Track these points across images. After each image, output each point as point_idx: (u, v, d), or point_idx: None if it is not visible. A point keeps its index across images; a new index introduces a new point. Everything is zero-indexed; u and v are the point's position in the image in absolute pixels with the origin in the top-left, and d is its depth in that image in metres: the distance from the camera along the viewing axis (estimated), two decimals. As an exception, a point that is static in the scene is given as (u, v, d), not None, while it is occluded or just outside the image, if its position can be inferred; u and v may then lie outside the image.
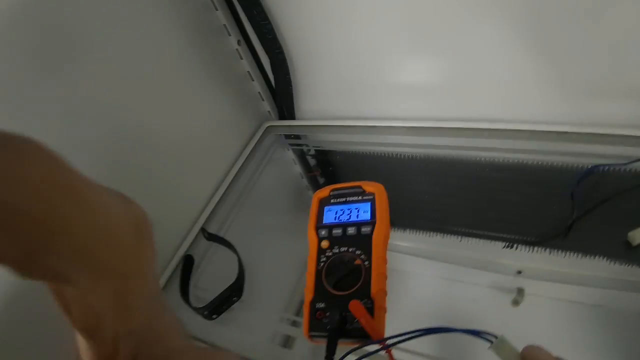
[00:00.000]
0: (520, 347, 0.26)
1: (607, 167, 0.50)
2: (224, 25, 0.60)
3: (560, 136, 0.52)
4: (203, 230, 0.55)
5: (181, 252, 0.54)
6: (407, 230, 0.73)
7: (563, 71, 0.51)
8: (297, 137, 0.67)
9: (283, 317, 0.62)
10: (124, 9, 0.46)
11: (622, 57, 0.47)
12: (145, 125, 0.51)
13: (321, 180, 0.73)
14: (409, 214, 0.72)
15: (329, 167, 0.71)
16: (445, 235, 0.71)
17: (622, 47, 0.47)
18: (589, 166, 0.51)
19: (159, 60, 0.52)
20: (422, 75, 0.58)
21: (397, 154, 0.63)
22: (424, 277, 0.76)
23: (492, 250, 0.69)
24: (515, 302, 0.70)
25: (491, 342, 0.26)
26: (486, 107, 0.58)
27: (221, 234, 0.55)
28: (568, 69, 0.50)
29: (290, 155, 0.71)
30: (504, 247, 0.67)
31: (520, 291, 0.70)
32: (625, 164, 0.47)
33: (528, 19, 0.47)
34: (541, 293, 0.70)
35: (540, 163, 0.55)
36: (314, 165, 0.72)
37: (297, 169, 0.73)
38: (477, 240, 0.68)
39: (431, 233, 0.73)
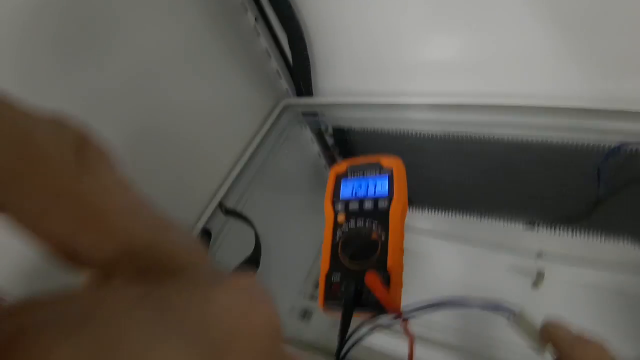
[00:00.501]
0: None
1: (636, 146, 0.48)
2: (241, 2, 0.59)
3: (586, 113, 0.50)
4: (221, 204, 0.55)
5: (199, 226, 0.54)
6: (426, 211, 0.72)
7: (592, 45, 0.49)
8: (315, 115, 0.67)
9: (301, 291, 0.62)
10: None
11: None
12: (168, 101, 0.51)
13: (339, 159, 0.73)
14: (428, 194, 0.71)
15: (347, 145, 0.71)
16: (465, 215, 0.70)
17: None
18: (617, 144, 0.49)
19: (180, 40, 0.52)
20: (442, 50, 0.56)
21: (416, 132, 0.62)
22: (443, 258, 0.75)
23: (513, 231, 0.68)
24: (534, 285, 0.69)
25: (509, 316, 0.25)
26: (510, 82, 0.56)
27: (239, 210, 0.55)
28: (597, 42, 0.48)
29: (308, 133, 0.71)
30: (524, 228, 0.66)
31: (540, 274, 0.69)
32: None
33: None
34: (561, 277, 0.69)
35: (565, 141, 0.53)
36: (332, 144, 0.71)
37: (315, 147, 0.73)
38: (498, 221, 0.67)
39: (450, 213, 0.72)
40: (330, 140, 0.71)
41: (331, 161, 0.73)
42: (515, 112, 0.54)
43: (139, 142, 0.47)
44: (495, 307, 0.25)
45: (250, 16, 0.61)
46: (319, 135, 0.71)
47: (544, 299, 0.68)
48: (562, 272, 0.68)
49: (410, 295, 0.32)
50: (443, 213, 0.71)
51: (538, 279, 0.69)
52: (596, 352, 0.22)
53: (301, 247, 0.70)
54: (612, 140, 0.50)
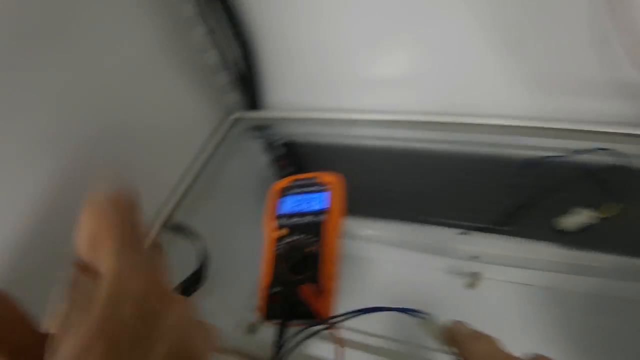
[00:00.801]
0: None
1: (549, 159, 0.53)
2: (192, 16, 0.61)
3: (507, 129, 0.55)
4: (168, 222, 0.56)
5: (146, 244, 0.55)
6: (369, 219, 0.76)
7: (517, 67, 0.54)
8: (265, 128, 0.69)
9: (249, 305, 0.64)
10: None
11: (571, 56, 0.51)
12: (111, 116, 0.51)
13: (288, 171, 0.75)
14: (371, 204, 0.75)
15: (296, 158, 0.73)
16: (404, 222, 0.75)
17: (572, 46, 0.50)
18: (532, 157, 0.54)
19: (128, 52, 0.52)
20: (387, 68, 0.60)
21: (360, 145, 0.66)
22: (385, 263, 0.79)
23: (449, 236, 0.73)
24: (470, 285, 0.74)
25: (423, 319, 0.29)
26: (444, 99, 0.61)
27: (186, 224, 0.56)
28: (529, 64, 0.54)
29: (257, 146, 0.73)
30: (459, 233, 0.71)
31: (474, 275, 0.75)
32: (564, 156, 0.51)
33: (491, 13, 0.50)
34: (494, 276, 0.74)
35: (490, 154, 0.58)
36: (281, 157, 0.74)
37: (263, 160, 0.75)
38: (435, 227, 0.72)
39: (391, 221, 0.76)
40: (278, 153, 0.73)
41: (280, 173, 0.76)
42: (449, 128, 0.59)
43: (79, 159, 0.47)
44: (406, 310, 0.29)
45: (201, 30, 0.62)
46: (269, 148, 0.73)
47: (479, 297, 0.74)
48: (494, 272, 0.74)
49: (352, 297, 0.34)
50: (384, 221, 0.76)
51: (474, 279, 0.75)
52: (487, 344, 0.26)
53: (248, 258, 0.72)
54: (530, 154, 0.55)
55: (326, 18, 0.57)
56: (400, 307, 0.29)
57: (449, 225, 0.71)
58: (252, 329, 0.65)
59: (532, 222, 0.61)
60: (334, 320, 0.31)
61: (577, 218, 0.52)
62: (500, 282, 0.74)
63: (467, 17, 0.51)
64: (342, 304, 0.35)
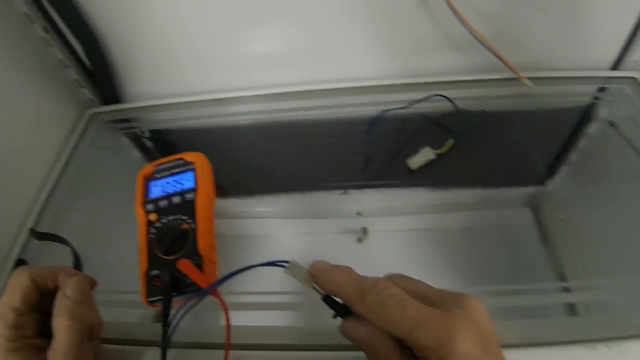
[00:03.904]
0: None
1: (391, 111, 0.59)
2: (25, 13, 0.56)
3: (361, 90, 0.60)
4: (32, 230, 0.52)
5: (13, 257, 0.51)
6: (255, 196, 0.78)
7: (365, 36, 0.59)
8: (128, 120, 0.66)
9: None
10: None
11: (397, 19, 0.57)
12: None
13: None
14: (256, 180, 0.77)
15: (167, 146, 0.71)
16: (291, 194, 0.78)
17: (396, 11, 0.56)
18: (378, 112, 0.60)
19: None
20: (243, 45, 0.61)
21: (232, 124, 0.67)
22: (280, 235, 0.82)
23: (333, 199, 0.77)
24: (359, 240, 0.80)
25: (284, 267, 0.31)
26: (302, 71, 0.64)
27: (55, 231, 0.53)
28: (367, 34, 0.58)
29: (125, 140, 0.70)
30: (341, 194, 0.76)
31: (363, 230, 0.81)
32: (405, 107, 0.57)
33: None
34: (379, 228, 0.81)
35: (350, 116, 0.63)
36: (152, 147, 0.71)
37: (136, 153, 0.72)
38: (318, 192, 0.76)
39: (279, 194, 0.78)
40: (149, 144, 0.71)
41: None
42: (310, 96, 0.62)
43: None
44: (272, 263, 0.31)
45: (38, 27, 0.57)
46: (137, 140, 0.70)
47: (369, 249, 0.80)
48: (379, 224, 0.80)
49: (258, 274, 0.35)
50: (271, 195, 0.78)
51: (362, 233, 0.80)
52: (343, 272, 0.29)
53: (133, 252, 0.69)
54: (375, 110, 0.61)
55: (176, 2, 0.56)
56: (268, 261, 0.31)
57: (330, 188, 0.76)
58: (159, 316, 0.64)
59: (387, 169, 0.67)
60: (212, 286, 0.32)
61: (418, 157, 0.59)
62: (384, 232, 0.81)
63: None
64: (245, 282, 0.36)
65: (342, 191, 0.76)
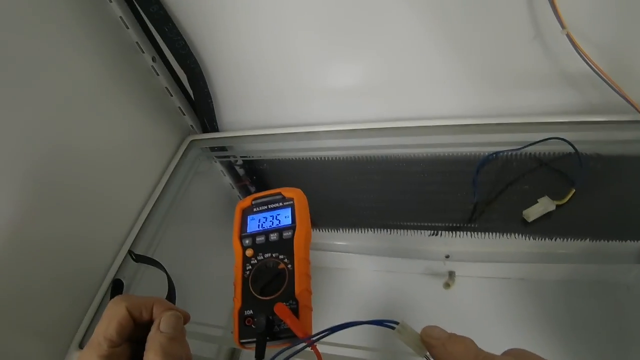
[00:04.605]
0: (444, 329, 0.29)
1: (502, 153, 0.55)
2: (137, 42, 0.59)
3: (463, 129, 0.57)
4: (130, 252, 0.54)
5: (110, 277, 0.53)
6: (340, 230, 0.76)
7: (465, 69, 0.56)
8: (223, 148, 0.68)
9: (228, 328, 0.62)
10: (38, 40, 0.46)
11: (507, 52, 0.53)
12: (70, 150, 0.50)
13: (252, 189, 0.74)
14: (342, 214, 0.75)
15: (257, 175, 0.72)
16: (376, 230, 0.75)
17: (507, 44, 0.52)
18: (487, 154, 0.56)
19: (76, 86, 0.51)
20: (336, 79, 0.61)
21: (321, 157, 0.66)
22: (363, 272, 0.79)
23: (421, 239, 0.73)
24: (447, 285, 0.75)
25: (393, 328, 0.28)
26: (399, 106, 0.62)
27: (150, 253, 0.54)
28: (467, 67, 0.55)
29: (218, 167, 0.71)
30: (430, 234, 0.71)
31: (450, 274, 0.75)
32: (519, 149, 0.53)
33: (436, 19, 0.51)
34: (469, 273, 0.75)
35: (449, 154, 0.59)
36: (243, 175, 0.72)
37: (227, 180, 0.73)
38: (406, 231, 0.72)
39: (364, 230, 0.75)
40: (241, 171, 0.72)
41: (244, 191, 0.75)
42: (409, 133, 0.60)
43: (41, 194, 0.45)
44: (380, 322, 0.28)
45: (147, 56, 0.61)
46: (229, 168, 0.71)
47: (456, 295, 0.74)
48: (468, 269, 0.75)
49: (335, 308, 0.33)
50: (357, 230, 0.75)
51: (449, 278, 0.75)
52: (463, 345, 0.26)
53: (220, 281, 0.70)
54: (485, 150, 0.57)
55: (268, 37, 0.57)
56: (374, 319, 0.29)
57: (419, 228, 0.72)
58: (233, 354, 0.63)
59: (495, 216, 0.62)
60: (312, 339, 0.30)
61: (536, 208, 0.54)
62: (474, 279, 0.75)
63: (413, 25, 0.52)
64: (323, 316, 0.34)
65: (431, 232, 0.71)
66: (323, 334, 0.29)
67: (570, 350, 0.64)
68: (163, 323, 0.32)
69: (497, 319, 0.71)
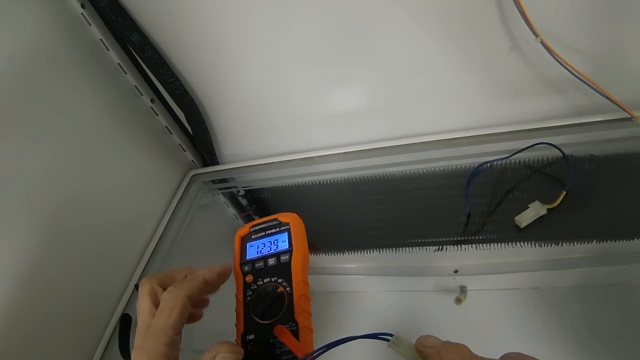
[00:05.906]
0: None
1: (489, 164, 0.55)
2: (135, 86, 0.62)
3: (451, 142, 0.58)
4: (136, 286, 0.55)
5: (119, 312, 0.54)
6: (346, 253, 0.76)
7: (447, 85, 0.57)
8: (225, 180, 0.69)
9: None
10: (38, 88, 0.49)
11: (489, 65, 0.54)
12: (78, 194, 0.52)
13: (256, 218, 0.75)
14: (345, 236, 0.75)
15: (261, 204, 0.73)
16: (382, 250, 0.75)
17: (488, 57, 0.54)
18: (477, 164, 0.56)
19: (81, 133, 0.54)
20: (325, 107, 0.63)
21: (320, 181, 0.67)
22: (371, 293, 0.78)
23: (427, 255, 0.73)
24: (459, 300, 0.74)
25: (388, 340, 0.28)
26: (385, 127, 0.63)
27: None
28: (455, 84, 0.57)
29: (221, 198, 0.73)
30: (435, 250, 0.71)
31: (462, 289, 0.74)
32: (507, 157, 0.53)
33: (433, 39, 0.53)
34: (480, 287, 0.74)
35: (443, 168, 0.60)
36: (247, 205, 0.74)
37: (231, 210, 0.75)
38: (411, 248, 0.72)
39: (369, 251, 0.76)
40: (244, 201, 0.74)
41: (248, 221, 0.75)
42: (406, 150, 0.61)
43: (53, 236, 0.48)
44: (374, 336, 0.28)
45: (146, 98, 0.64)
46: (232, 199, 0.73)
47: (468, 310, 0.73)
48: (478, 282, 0.74)
49: (347, 332, 0.33)
50: (362, 252, 0.75)
51: (460, 293, 0.74)
52: (458, 352, 0.26)
53: (227, 311, 0.70)
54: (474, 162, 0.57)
55: (264, 72, 0.60)
56: (370, 333, 0.29)
57: (424, 244, 0.72)
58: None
59: (490, 226, 0.62)
60: (308, 357, 0.31)
61: (527, 213, 0.54)
62: (485, 292, 0.74)
63: (400, 44, 0.54)
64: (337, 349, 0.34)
65: (436, 247, 0.71)
66: (320, 351, 0.30)
67: (592, 358, 0.62)
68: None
69: (512, 331, 0.70)
